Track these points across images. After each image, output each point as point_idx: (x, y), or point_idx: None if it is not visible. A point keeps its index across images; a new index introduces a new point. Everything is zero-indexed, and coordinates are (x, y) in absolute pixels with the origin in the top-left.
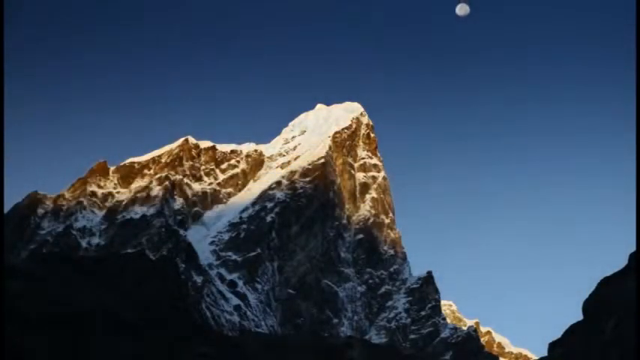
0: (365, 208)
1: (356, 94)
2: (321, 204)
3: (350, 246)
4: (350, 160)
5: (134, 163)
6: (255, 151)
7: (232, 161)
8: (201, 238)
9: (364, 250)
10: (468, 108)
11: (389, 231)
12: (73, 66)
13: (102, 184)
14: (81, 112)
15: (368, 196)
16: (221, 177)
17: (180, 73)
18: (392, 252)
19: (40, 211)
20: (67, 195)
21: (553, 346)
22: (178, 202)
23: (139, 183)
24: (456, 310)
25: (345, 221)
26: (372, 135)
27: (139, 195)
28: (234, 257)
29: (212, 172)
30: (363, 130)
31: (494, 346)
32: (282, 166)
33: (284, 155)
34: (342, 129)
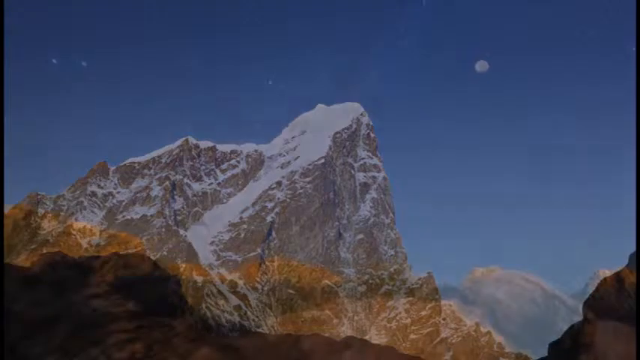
0: (365, 209)
1: (356, 94)
2: (321, 204)
3: (350, 246)
4: (350, 160)
5: (134, 163)
6: (255, 151)
7: (232, 161)
8: (201, 238)
9: (364, 250)
10: (469, 108)
11: (389, 231)
12: (74, 66)
13: (102, 184)
14: (81, 112)
15: (368, 196)
16: (221, 177)
17: (180, 74)
18: (392, 252)
19: (40, 211)
20: (67, 195)
21: (553, 346)
22: (178, 202)
23: (139, 183)
24: (456, 310)
25: (345, 221)
26: (372, 135)
27: (138, 195)
28: (234, 257)
29: (212, 172)
30: (363, 131)
31: (495, 346)
32: (282, 166)
33: (284, 155)
34: (342, 129)
